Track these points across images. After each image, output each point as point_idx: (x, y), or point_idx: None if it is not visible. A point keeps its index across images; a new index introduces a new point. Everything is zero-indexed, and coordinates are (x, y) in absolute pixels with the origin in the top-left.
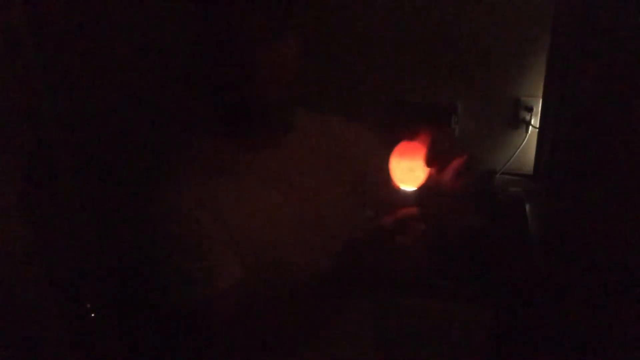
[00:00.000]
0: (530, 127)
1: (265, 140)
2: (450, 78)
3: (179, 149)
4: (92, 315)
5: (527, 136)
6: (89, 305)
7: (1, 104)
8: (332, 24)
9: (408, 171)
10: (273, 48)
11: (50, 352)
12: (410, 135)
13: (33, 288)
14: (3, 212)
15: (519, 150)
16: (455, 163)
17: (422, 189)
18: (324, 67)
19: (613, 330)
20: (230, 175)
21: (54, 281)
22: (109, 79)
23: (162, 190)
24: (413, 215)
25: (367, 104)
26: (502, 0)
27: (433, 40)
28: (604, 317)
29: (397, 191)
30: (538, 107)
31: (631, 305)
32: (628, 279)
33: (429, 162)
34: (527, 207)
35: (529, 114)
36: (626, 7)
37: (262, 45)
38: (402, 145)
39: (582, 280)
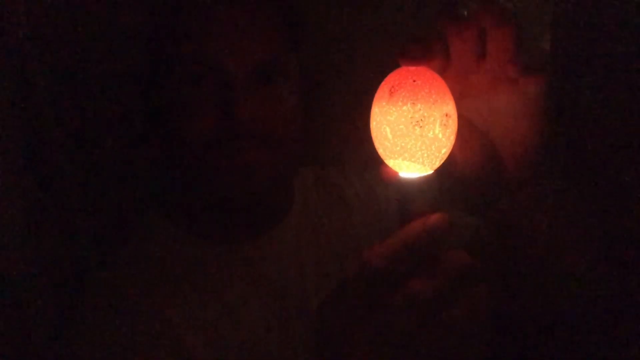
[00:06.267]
0: None
1: (246, 233)
2: None
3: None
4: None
5: None
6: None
7: (1, 104)
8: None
9: (414, 135)
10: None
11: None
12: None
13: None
14: (3, 212)
15: None
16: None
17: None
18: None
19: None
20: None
21: (53, 281)
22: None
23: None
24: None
25: None
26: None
27: None
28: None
29: (400, 193)
30: None
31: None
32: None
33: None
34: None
35: None
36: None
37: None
38: (397, 80)
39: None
